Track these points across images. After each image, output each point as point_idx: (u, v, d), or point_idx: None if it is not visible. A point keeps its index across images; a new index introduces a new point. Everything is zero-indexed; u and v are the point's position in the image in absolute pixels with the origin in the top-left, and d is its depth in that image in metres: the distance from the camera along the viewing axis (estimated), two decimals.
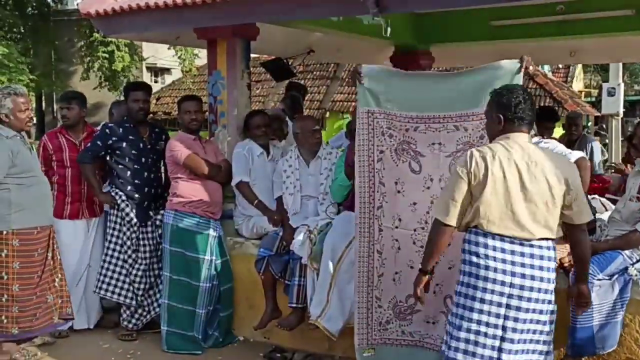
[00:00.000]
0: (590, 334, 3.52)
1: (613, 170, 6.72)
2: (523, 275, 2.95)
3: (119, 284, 4.99)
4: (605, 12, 5.33)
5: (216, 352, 4.80)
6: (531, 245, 2.99)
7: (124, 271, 4.99)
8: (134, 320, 5.05)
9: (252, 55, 5.56)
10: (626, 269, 3.58)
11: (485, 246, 2.98)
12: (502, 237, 2.98)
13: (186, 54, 18.89)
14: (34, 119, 19.78)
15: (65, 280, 4.60)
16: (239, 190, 4.91)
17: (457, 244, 3.20)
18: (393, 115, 3.74)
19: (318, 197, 4.66)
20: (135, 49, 20.15)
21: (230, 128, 5.25)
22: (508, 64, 3.50)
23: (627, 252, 3.60)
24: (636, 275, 3.59)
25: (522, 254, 2.97)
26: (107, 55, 18.71)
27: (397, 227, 3.77)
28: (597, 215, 4.32)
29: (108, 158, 5.06)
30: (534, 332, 3.02)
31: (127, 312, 5.05)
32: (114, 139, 4.98)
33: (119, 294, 4.98)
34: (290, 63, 7.26)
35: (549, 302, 3.02)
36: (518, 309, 2.96)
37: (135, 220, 4.96)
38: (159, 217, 5.03)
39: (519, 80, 3.46)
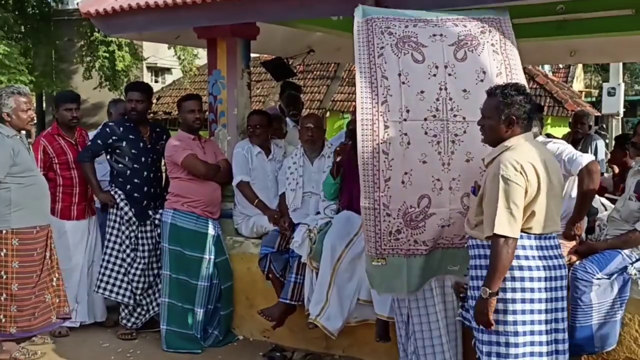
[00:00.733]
0: (590, 333, 3.52)
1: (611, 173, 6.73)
2: (555, 267, 3.07)
3: (117, 282, 5.00)
4: (605, 12, 5.31)
5: (216, 351, 4.81)
6: (557, 237, 3.15)
7: (122, 270, 5.00)
8: (132, 319, 5.06)
9: (253, 55, 5.57)
10: (625, 268, 3.58)
11: (529, 248, 3.02)
12: (546, 236, 3.07)
13: (186, 54, 18.87)
14: (35, 119, 19.79)
15: (63, 279, 4.62)
16: (240, 190, 4.92)
17: (473, 133, 3.33)
18: (391, 18, 3.65)
19: (320, 195, 4.68)
20: (136, 49, 20.12)
21: (230, 127, 5.27)
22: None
23: (626, 251, 3.60)
24: (635, 274, 3.59)
25: (557, 247, 3.11)
26: (107, 55, 18.69)
27: (405, 120, 3.47)
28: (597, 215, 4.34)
29: (108, 157, 5.07)
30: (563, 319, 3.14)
31: (126, 311, 5.06)
32: (114, 138, 4.98)
33: (117, 293, 4.99)
34: (290, 63, 7.27)
35: None
36: (559, 299, 3.08)
37: (134, 219, 4.97)
38: (158, 216, 5.03)
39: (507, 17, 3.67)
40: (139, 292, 5.01)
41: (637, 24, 5.42)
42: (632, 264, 3.59)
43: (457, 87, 3.49)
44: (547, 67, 17.74)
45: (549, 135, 5.07)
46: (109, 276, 5.00)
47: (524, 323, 2.99)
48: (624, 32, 5.66)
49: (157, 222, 5.04)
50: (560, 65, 18.62)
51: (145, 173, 5.04)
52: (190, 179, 4.83)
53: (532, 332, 3.00)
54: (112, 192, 5.00)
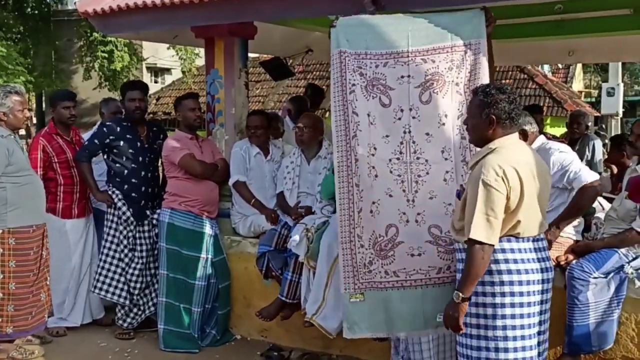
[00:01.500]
0: (587, 332, 3.53)
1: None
2: (547, 269, 3.05)
3: (114, 282, 4.99)
4: (603, 11, 5.31)
5: (213, 350, 4.81)
6: (544, 238, 3.11)
7: (119, 270, 4.99)
8: (128, 320, 5.06)
9: (252, 55, 5.57)
10: (622, 267, 3.58)
11: (523, 251, 2.98)
12: (534, 238, 3.03)
13: (186, 54, 18.88)
14: (34, 118, 19.86)
15: (50, 278, 4.61)
16: (236, 189, 4.93)
17: (435, 174, 3.46)
18: (363, 54, 3.73)
19: (316, 196, 4.67)
20: (135, 49, 20.12)
21: (228, 126, 5.27)
22: (471, 12, 3.71)
23: (623, 250, 3.61)
24: (632, 273, 3.59)
25: (544, 249, 3.08)
26: (106, 55, 18.70)
27: (372, 155, 3.63)
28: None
29: (105, 157, 5.07)
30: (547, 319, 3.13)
31: (122, 311, 5.05)
32: (111, 137, 4.98)
33: (113, 293, 4.98)
34: (290, 63, 7.27)
35: None
36: (548, 301, 3.06)
37: (132, 219, 4.96)
38: (155, 216, 5.03)
39: (483, 31, 3.66)
40: (136, 292, 5.01)
41: (635, 24, 5.41)
42: (628, 262, 3.60)
43: (420, 130, 3.61)
44: (546, 68, 17.74)
45: (547, 136, 5.08)
46: (106, 276, 4.99)
47: (513, 328, 2.94)
48: (622, 31, 5.66)
49: (154, 221, 5.04)
50: (560, 66, 18.63)
51: (142, 173, 5.04)
52: (187, 179, 4.83)
53: (522, 337, 2.96)
54: (110, 192, 5.00)
